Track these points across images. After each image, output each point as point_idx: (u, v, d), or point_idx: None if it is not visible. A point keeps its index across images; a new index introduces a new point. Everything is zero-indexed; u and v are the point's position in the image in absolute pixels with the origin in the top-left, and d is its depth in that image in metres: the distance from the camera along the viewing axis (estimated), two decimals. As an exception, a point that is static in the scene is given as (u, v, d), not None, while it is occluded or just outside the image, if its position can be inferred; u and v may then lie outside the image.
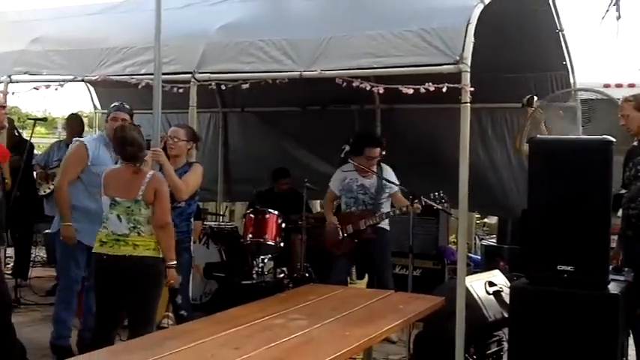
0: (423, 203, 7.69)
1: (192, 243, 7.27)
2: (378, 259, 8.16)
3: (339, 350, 4.17)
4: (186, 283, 6.98)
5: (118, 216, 5.96)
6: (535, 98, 7.75)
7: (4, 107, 6.74)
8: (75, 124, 9.86)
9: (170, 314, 7.57)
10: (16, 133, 10.28)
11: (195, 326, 4.93)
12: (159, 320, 7.60)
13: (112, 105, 7.42)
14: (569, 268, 5.97)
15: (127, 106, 7.23)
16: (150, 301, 6.07)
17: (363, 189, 8.12)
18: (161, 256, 6.03)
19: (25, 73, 8.54)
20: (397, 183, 8.08)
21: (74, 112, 9.17)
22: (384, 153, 9.26)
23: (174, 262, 6.09)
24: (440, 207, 7.80)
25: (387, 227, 8.22)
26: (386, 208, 8.15)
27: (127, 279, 5.93)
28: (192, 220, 7.16)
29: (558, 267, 5.99)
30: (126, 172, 6.05)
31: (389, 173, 8.18)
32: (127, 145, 6.00)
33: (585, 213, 5.98)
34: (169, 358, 3.91)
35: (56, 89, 7.95)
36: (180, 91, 7.59)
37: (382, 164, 8.21)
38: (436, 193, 7.70)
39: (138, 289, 5.97)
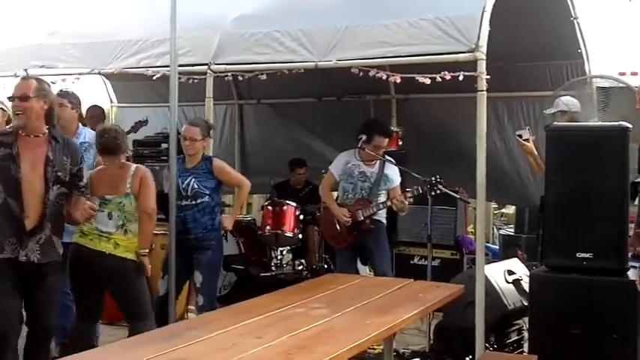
0: (414, 193, 7.58)
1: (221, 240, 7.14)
2: (374, 251, 7.81)
3: (360, 339, 4.17)
4: (206, 283, 6.85)
5: (109, 214, 5.98)
6: (519, 134, 7.60)
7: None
8: (96, 112, 9.62)
9: (192, 307, 7.56)
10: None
11: (216, 316, 4.95)
12: (180, 314, 7.62)
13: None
14: (587, 256, 5.98)
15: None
16: (133, 296, 6.14)
17: (363, 176, 7.81)
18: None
19: (41, 67, 8.52)
20: (398, 176, 7.84)
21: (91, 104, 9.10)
22: (400, 143, 9.26)
23: (146, 251, 6.10)
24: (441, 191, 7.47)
25: (384, 220, 7.93)
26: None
27: (102, 274, 6.00)
28: (217, 214, 7.02)
29: (577, 254, 6.00)
30: (111, 168, 6.11)
31: (392, 168, 7.87)
32: (99, 138, 6.16)
33: (603, 200, 6.00)
34: (190, 348, 3.91)
35: (73, 83, 7.94)
36: (196, 81, 7.60)
37: (387, 157, 7.95)
38: (433, 178, 7.41)
39: (114, 285, 6.09)
